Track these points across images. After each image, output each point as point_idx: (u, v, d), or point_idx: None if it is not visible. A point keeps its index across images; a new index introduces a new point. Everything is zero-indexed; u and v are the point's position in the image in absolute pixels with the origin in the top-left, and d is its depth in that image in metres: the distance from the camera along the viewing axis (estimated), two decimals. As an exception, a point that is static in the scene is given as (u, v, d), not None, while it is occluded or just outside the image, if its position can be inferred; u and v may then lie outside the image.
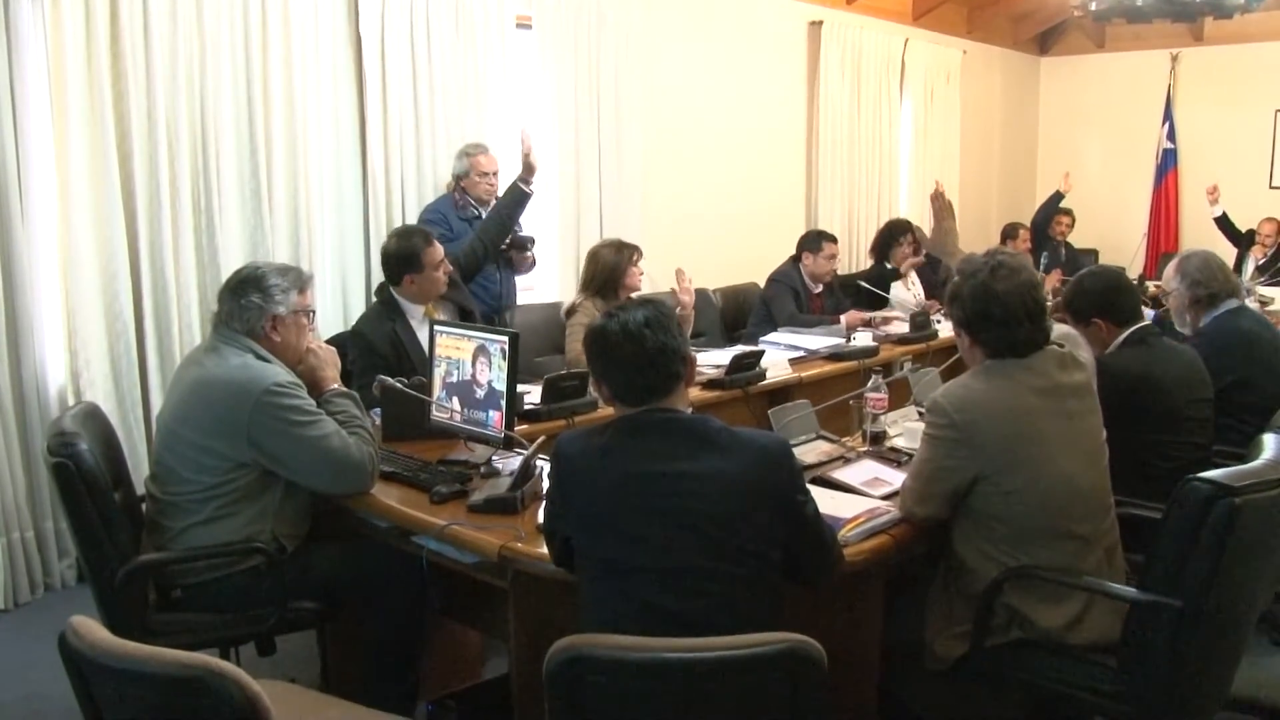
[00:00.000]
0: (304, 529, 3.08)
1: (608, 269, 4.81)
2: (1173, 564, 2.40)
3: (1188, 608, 2.36)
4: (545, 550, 2.42)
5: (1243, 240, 8.67)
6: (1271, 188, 9.66)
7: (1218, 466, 2.49)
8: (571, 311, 4.85)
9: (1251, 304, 5.27)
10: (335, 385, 3.16)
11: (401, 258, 4.01)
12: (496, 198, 5.20)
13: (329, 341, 3.45)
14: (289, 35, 4.89)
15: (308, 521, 3.09)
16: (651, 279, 5.22)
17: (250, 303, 2.99)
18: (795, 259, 6.28)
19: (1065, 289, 3.83)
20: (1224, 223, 8.77)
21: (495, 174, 5.30)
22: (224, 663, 1.71)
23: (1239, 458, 2.61)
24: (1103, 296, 3.61)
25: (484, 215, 5.14)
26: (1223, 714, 3.09)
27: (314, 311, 3.20)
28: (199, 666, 1.69)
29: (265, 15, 4.81)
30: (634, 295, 4.78)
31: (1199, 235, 9.24)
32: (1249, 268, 8.36)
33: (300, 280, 3.11)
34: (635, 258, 4.86)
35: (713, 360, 4.68)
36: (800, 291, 6.17)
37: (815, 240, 6.28)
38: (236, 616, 2.92)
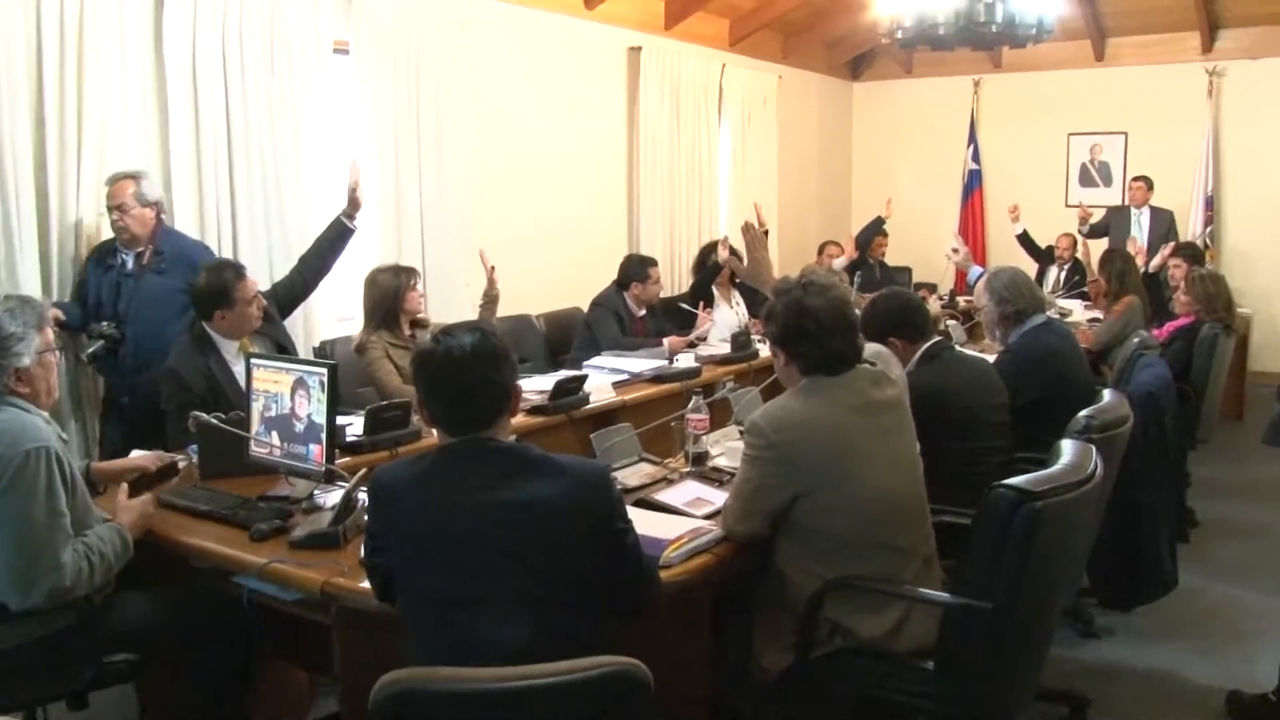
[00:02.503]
0: (111, 579, 2.84)
1: (389, 294, 4.75)
2: (983, 568, 2.51)
3: (998, 608, 2.47)
4: (369, 585, 2.39)
5: (1043, 256, 9.14)
6: (1068, 206, 10.19)
7: (1022, 472, 2.62)
8: (362, 349, 4.72)
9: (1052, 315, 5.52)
10: (120, 525, 2.85)
11: (211, 293, 3.87)
12: (131, 235, 4.44)
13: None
14: (84, 57, 4.58)
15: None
16: (475, 306, 5.18)
17: None
18: (620, 285, 6.32)
19: (861, 313, 3.96)
20: (1025, 240, 9.22)
21: (120, 208, 4.38)
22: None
23: (1041, 463, 2.74)
24: (898, 316, 3.77)
25: (127, 260, 4.51)
26: (1037, 704, 3.25)
27: (58, 348, 2.90)
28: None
29: (63, 33, 4.52)
30: (418, 317, 4.87)
31: (1004, 252, 9.72)
32: (1049, 282, 8.83)
33: (39, 317, 2.76)
34: (413, 281, 4.84)
35: (536, 386, 4.66)
36: (623, 315, 6.21)
37: (640, 268, 6.33)
38: (46, 678, 2.72)
